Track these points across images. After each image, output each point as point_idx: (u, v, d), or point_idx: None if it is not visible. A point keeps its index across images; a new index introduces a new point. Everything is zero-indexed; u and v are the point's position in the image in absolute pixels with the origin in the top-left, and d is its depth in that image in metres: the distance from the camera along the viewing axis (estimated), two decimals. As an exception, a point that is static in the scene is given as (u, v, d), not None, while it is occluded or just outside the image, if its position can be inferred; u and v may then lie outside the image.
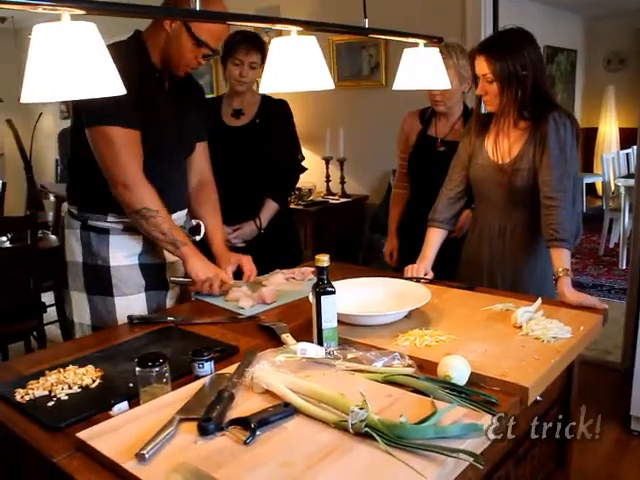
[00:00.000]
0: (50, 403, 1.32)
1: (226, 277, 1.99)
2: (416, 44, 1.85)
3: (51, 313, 3.85)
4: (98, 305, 1.98)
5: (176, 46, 1.86)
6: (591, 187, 7.95)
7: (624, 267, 5.54)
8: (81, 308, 2.00)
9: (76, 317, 2.01)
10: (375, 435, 1.09)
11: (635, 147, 4.80)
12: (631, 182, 5.07)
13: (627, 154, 7.02)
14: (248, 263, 2.11)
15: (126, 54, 1.79)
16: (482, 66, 2.01)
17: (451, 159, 2.64)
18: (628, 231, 5.45)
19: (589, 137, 8.19)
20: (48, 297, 3.79)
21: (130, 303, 1.96)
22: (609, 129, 8.17)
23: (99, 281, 1.97)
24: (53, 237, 4.09)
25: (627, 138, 7.62)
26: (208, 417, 1.15)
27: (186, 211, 2.13)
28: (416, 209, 2.86)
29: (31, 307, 3.49)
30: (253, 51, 2.60)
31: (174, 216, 2.00)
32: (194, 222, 2.14)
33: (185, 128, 2.05)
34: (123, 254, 1.97)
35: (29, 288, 3.44)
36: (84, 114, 1.83)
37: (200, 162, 2.19)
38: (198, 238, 2.11)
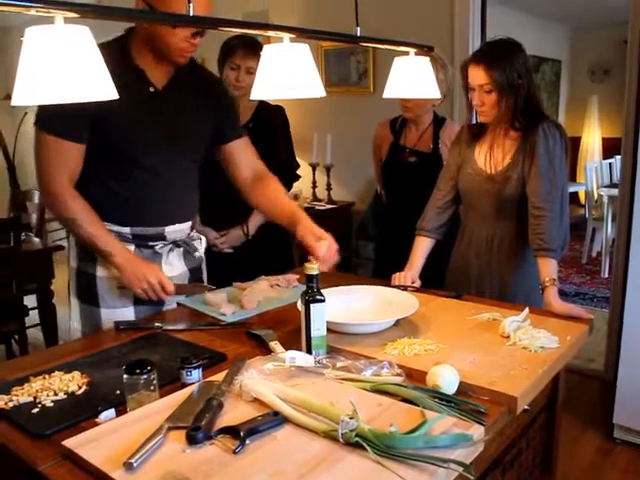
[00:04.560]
0: (35, 410, 1.30)
1: (165, 279, 1.86)
2: (406, 53, 1.85)
3: (33, 316, 3.80)
4: (86, 314, 1.94)
5: (157, 34, 1.76)
6: (574, 196, 8.02)
7: (606, 275, 5.60)
8: (75, 314, 1.97)
9: (74, 322, 1.97)
10: (365, 445, 1.08)
11: (618, 157, 4.86)
12: (614, 192, 5.12)
13: (610, 164, 7.09)
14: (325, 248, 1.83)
15: (106, 55, 1.74)
16: (480, 76, 2.03)
17: (421, 169, 2.71)
18: (611, 240, 5.50)
19: (573, 146, 8.22)
20: (30, 300, 3.75)
21: (116, 316, 1.90)
22: (592, 139, 8.25)
23: (88, 290, 1.93)
24: (36, 240, 4.05)
25: (609, 148, 7.70)
26: (197, 426, 1.14)
27: (189, 224, 2.05)
28: (391, 220, 2.89)
29: (13, 310, 3.44)
30: (250, 56, 2.54)
31: (168, 229, 1.96)
32: (195, 235, 2.09)
33: (185, 131, 1.94)
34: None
35: (11, 291, 3.40)
36: (37, 112, 1.78)
37: (244, 158, 2.10)
38: (197, 254, 2.08)
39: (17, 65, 1.04)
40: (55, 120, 1.74)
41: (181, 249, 2.04)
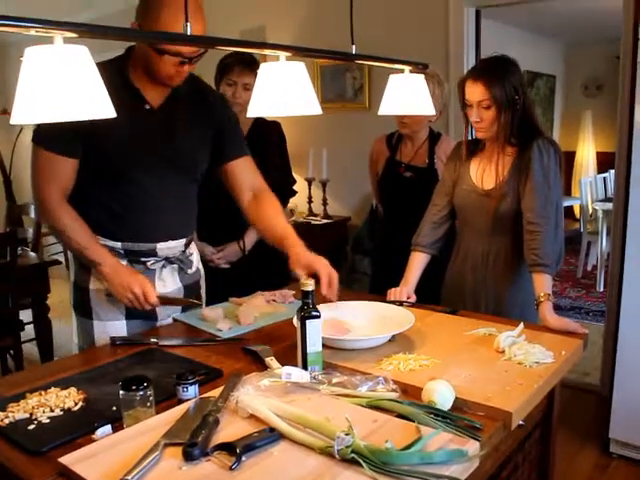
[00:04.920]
0: (31, 426, 1.30)
1: (148, 289, 1.84)
2: (402, 70, 1.87)
3: (28, 331, 3.79)
4: (81, 326, 1.98)
5: (148, 59, 1.78)
6: (569, 210, 8.06)
7: (601, 290, 5.61)
8: (74, 328, 2.02)
9: (74, 336, 2.03)
10: (361, 461, 1.08)
11: (612, 171, 4.89)
12: (608, 206, 5.15)
13: (604, 178, 7.13)
14: (325, 273, 1.77)
15: (103, 74, 1.75)
16: (479, 92, 2.05)
17: (416, 184, 2.73)
18: (605, 254, 5.53)
19: (567, 161, 8.31)
20: (26, 315, 3.74)
21: (107, 329, 1.92)
22: (586, 153, 8.30)
23: (82, 302, 1.96)
24: (32, 254, 4.06)
25: (604, 162, 7.76)
26: (193, 442, 1.14)
27: (183, 242, 2.04)
28: (387, 235, 2.91)
29: (9, 325, 3.44)
30: (247, 72, 2.58)
31: (160, 245, 1.96)
32: (189, 252, 2.09)
33: (181, 150, 1.94)
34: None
35: (7, 305, 3.39)
36: (34, 128, 1.83)
37: (246, 178, 2.08)
38: (190, 271, 2.08)
39: (15, 81, 1.05)
40: (49, 135, 1.79)
41: (175, 266, 2.04)
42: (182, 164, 1.97)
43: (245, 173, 2.08)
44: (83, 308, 1.96)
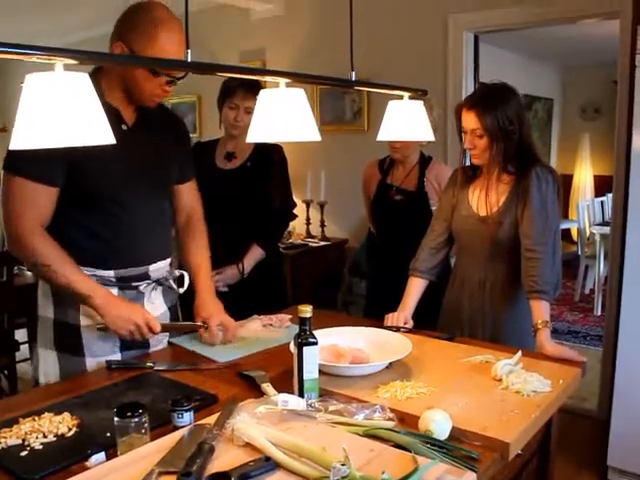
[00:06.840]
0: (23, 453, 1.29)
1: (151, 318, 1.82)
2: (401, 96, 1.88)
3: (23, 351, 3.77)
4: (67, 364, 1.86)
5: (133, 80, 1.75)
6: (566, 233, 8.07)
7: (599, 313, 5.59)
8: (48, 367, 1.88)
9: (42, 377, 1.89)
10: (357, 493, 1.07)
11: (610, 195, 4.89)
12: (606, 230, 5.16)
13: (602, 202, 7.15)
14: (214, 324, 1.97)
15: None
16: (472, 121, 2.06)
17: (407, 207, 2.75)
18: (603, 277, 5.52)
19: (565, 184, 8.33)
20: (21, 335, 3.72)
21: (103, 364, 1.84)
22: (584, 176, 8.33)
23: (69, 339, 1.86)
24: (29, 273, 4.03)
25: (601, 185, 7.77)
26: (188, 471, 1.13)
27: (168, 261, 2.03)
28: (382, 257, 2.92)
29: (4, 344, 3.41)
30: (250, 96, 2.59)
31: (152, 267, 1.94)
32: (177, 272, 2.06)
33: (158, 169, 1.95)
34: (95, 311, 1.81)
35: (3, 325, 3.38)
36: (6, 156, 1.72)
37: (187, 201, 2.13)
38: (182, 290, 2.06)
39: (14, 98, 1.06)
40: (27, 163, 1.69)
41: (161, 287, 2.02)
42: (161, 182, 1.99)
43: (188, 196, 2.15)
44: (70, 345, 1.86)
